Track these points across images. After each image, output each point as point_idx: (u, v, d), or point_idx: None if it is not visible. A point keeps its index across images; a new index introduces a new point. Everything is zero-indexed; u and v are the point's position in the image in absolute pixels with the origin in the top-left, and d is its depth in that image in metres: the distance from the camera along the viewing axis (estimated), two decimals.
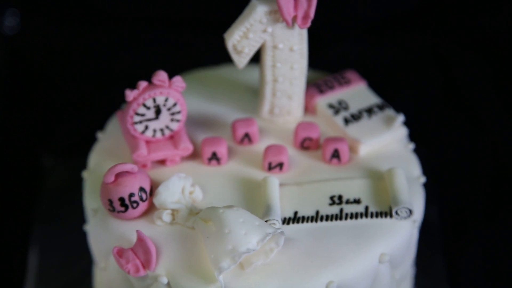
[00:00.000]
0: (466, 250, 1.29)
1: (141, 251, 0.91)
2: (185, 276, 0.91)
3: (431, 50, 1.62)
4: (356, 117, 1.07)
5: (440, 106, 1.53)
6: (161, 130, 1.01)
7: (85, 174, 1.04)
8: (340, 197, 0.98)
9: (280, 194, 0.98)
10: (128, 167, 0.94)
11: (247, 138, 1.05)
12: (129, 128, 1.00)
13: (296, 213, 0.97)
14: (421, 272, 1.20)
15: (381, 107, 1.08)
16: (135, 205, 0.95)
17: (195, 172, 1.01)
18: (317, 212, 0.97)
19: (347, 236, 0.94)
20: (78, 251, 1.22)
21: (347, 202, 0.98)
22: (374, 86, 1.14)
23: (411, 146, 1.06)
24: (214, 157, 1.02)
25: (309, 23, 0.98)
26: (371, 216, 0.96)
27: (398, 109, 1.11)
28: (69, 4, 1.65)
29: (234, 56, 1.01)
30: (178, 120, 1.01)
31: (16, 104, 1.52)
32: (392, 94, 1.27)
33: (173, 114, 1.00)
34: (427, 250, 1.23)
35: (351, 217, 0.96)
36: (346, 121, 1.06)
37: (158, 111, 0.99)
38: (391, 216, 0.96)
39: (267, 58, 1.03)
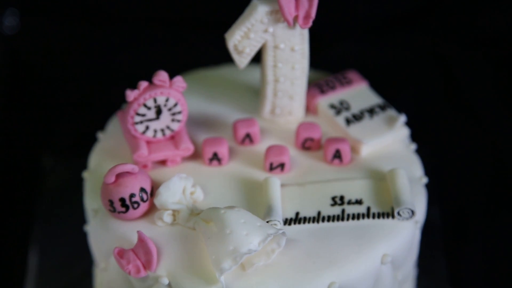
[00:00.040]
0: (467, 250, 1.29)
1: (142, 251, 0.91)
2: (186, 277, 0.90)
3: (432, 50, 1.62)
4: (357, 117, 1.06)
5: (441, 106, 1.52)
6: (162, 130, 1.01)
7: (86, 175, 1.04)
8: (342, 198, 0.98)
9: (282, 195, 0.98)
10: (129, 167, 0.94)
11: (248, 138, 1.05)
12: (130, 128, 1.00)
13: (297, 213, 0.97)
14: (422, 272, 1.19)
15: (382, 107, 1.08)
16: (136, 205, 0.95)
17: (196, 173, 1.01)
18: (319, 213, 0.97)
19: (349, 237, 0.94)
20: (78, 251, 1.22)
21: (349, 202, 0.98)
22: (375, 86, 1.14)
23: (413, 146, 1.06)
24: (215, 157, 1.02)
25: (310, 23, 0.98)
26: (373, 217, 0.96)
27: (399, 109, 1.11)
28: (69, 4, 1.65)
29: (235, 56, 1.01)
30: (179, 120, 1.01)
31: (16, 104, 1.52)
32: (393, 94, 1.27)
33: (174, 114, 1.00)
34: (429, 251, 1.23)
35: (353, 218, 0.96)
36: (348, 122, 1.06)
37: (159, 111, 0.99)
38: (393, 217, 0.96)
39: (268, 58, 1.03)
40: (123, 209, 0.94)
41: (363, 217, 0.96)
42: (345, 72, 1.12)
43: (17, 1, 1.62)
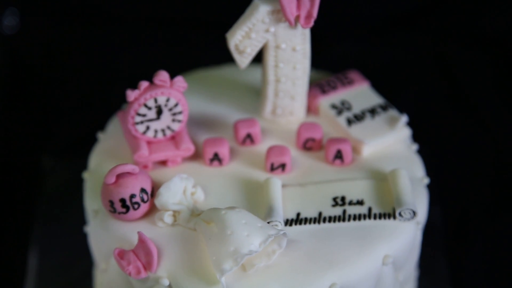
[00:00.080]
0: (469, 251, 1.29)
1: (143, 252, 0.91)
2: (187, 278, 0.90)
3: (433, 50, 1.61)
4: (359, 117, 1.06)
5: (442, 107, 1.52)
6: (163, 130, 1.01)
7: (86, 175, 1.04)
8: (343, 198, 0.98)
9: (283, 195, 0.98)
10: (129, 168, 0.94)
11: (249, 138, 1.04)
12: (130, 129, 0.99)
13: (298, 214, 0.96)
14: (423, 273, 1.19)
15: (384, 108, 1.07)
16: (136, 206, 0.94)
17: (196, 173, 1.01)
18: (320, 214, 0.96)
19: (350, 237, 0.94)
20: (78, 252, 1.22)
21: (350, 203, 0.97)
22: (377, 86, 1.14)
23: (415, 147, 1.06)
24: (216, 157, 1.02)
25: (312, 23, 0.98)
26: (374, 218, 0.96)
27: (400, 110, 1.11)
28: (69, 4, 1.64)
29: (236, 56, 1.00)
30: (179, 121, 1.01)
31: (15, 104, 1.52)
32: (394, 94, 1.27)
33: (174, 114, 1.00)
34: (430, 251, 1.22)
35: (354, 219, 0.96)
36: (349, 122, 1.06)
37: (159, 112, 0.99)
38: (394, 217, 0.96)
39: (270, 58, 1.02)
40: (124, 209, 0.94)
41: (364, 218, 0.96)
42: (347, 72, 1.12)
43: (17, 1, 1.62)
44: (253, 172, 1.01)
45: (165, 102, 0.98)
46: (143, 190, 0.95)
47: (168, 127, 1.01)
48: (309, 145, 1.04)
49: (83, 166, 1.07)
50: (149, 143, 1.01)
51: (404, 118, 1.05)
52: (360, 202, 0.97)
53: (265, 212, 0.95)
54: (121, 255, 0.92)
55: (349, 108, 1.07)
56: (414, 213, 0.96)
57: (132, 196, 0.94)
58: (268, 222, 0.94)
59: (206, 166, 1.02)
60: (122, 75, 1.51)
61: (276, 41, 1.01)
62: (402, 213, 0.96)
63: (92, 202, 1.00)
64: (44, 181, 1.36)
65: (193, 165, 1.02)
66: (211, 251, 0.89)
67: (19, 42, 1.60)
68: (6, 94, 1.53)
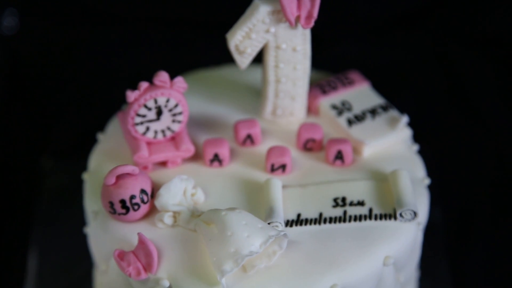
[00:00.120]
0: (470, 252, 1.29)
1: (143, 254, 0.91)
2: (187, 279, 0.90)
3: (434, 50, 1.61)
4: (359, 118, 1.06)
5: (442, 107, 1.52)
6: (163, 131, 1.01)
7: (85, 176, 1.04)
8: (343, 199, 0.98)
9: (283, 196, 0.98)
10: (129, 169, 0.94)
11: (249, 139, 1.04)
12: (130, 129, 0.99)
13: (299, 215, 0.96)
14: (424, 274, 1.19)
15: (385, 108, 1.07)
16: (136, 207, 0.94)
17: (196, 174, 1.01)
18: (321, 214, 0.96)
19: (351, 238, 0.94)
20: (78, 253, 1.22)
21: (351, 204, 0.97)
22: (377, 86, 1.14)
23: (415, 147, 1.06)
24: (216, 158, 1.01)
25: (312, 23, 0.98)
26: (375, 219, 0.96)
27: (401, 110, 1.11)
28: (69, 4, 1.64)
29: (236, 56, 1.00)
30: (179, 121, 1.00)
31: (15, 105, 1.52)
32: (395, 95, 1.27)
33: (174, 115, 1.00)
34: (431, 252, 1.22)
35: (355, 220, 0.96)
36: (350, 122, 1.05)
37: (159, 112, 0.99)
38: (395, 218, 0.96)
39: (270, 59, 1.02)
40: (124, 210, 0.94)
41: (365, 219, 0.96)
42: (347, 73, 1.12)
43: (16, 1, 1.62)
44: (253, 173, 1.01)
45: (165, 102, 0.98)
46: (143, 191, 0.94)
47: (168, 128, 1.00)
48: (309, 146, 1.04)
49: (83, 167, 1.07)
50: (149, 144, 1.01)
51: (404, 119, 1.05)
52: (360, 203, 0.97)
53: (266, 213, 0.95)
54: (121, 256, 0.91)
55: (349, 109, 1.07)
56: (415, 214, 0.96)
57: (132, 197, 0.94)
58: (269, 223, 0.93)
59: (206, 167, 1.02)
60: (122, 75, 1.51)
61: (276, 42, 1.01)
62: (403, 214, 0.96)
63: (92, 203, 1.00)
64: (44, 182, 1.36)
65: (193, 166, 1.02)
66: (211, 252, 0.89)
67: (19, 43, 1.60)
68: (6, 94, 1.53)
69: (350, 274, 0.91)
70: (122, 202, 0.94)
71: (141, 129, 1.00)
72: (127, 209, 0.94)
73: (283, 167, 1.01)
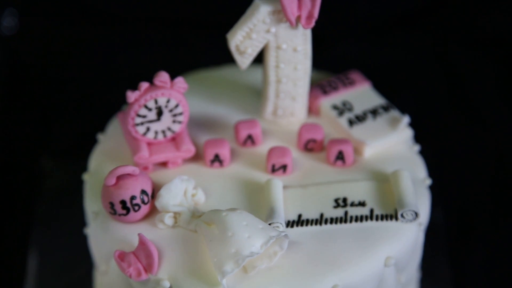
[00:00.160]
0: (471, 252, 1.29)
1: (143, 254, 0.90)
2: (188, 280, 0.90)
3: (435, 50, 1.61)
4: (360, 118, 1.06)
5: (443, 107, 1.52)
6: (163, 131, 1.00)
7: (86, 177, 1.03)
8: (344, 200, 0.97)
9: (284, 197, 0.98)
10: (130, 169, 0.93)
11: (250, 139, 1.04)
12: (131, 130, 0.99)
13: (300, 216, 0.96)
14: (425, 275, 1.19)
15: (386, 108, 1.07)
16: (136, 208, 0.94)
17: (197, 175, 1.01)
18: (322, 215, 0.96)
19: (352, 239, 0.94)
20: (78, 254, 1.22)
21: (352, 204, 0.97)
22: (378, 86, 1.14)
23: (417, 148, 1.05)
24: (217, 159, 1.01)
25: (313, 23, 0.98)
26: (376, 219, 0.96)
27: (402, 110, 1.10)
28: (68, 4, 1.64)
29: (237, 56, 1.00)
30: (180, 122, 1.00)
31: (15, 105, 1.52)
32: (396, 95, 1.26)
33: (175, 115, 0.99)
34: (432, 253, 1.22)
35: (356, 220, 0.96)
36: (351, 123, 1.05)
37: (159, 113, 0.99)
38: (396, 219, 0.96)
39: (271, 59, 1.02)
40: (124, 211, 0.94)
41: (366, 219, 0.96)
42: (348, 73, 1.12)
43: (16, 2, 1.62)
44: (254, 173, 1.01)
45: (165, 103, 0.98)
46: (143, 192, 0.94)
47: (169, 128, 1.00)
48: (310, 146, 1.04)
49: (83, 167, 1.07)
50: (149, 144, 1.01)
51: (406, 119, 1.05)
52: (362, 204, 0.97)
53: (266, 214, 0.95)
54: (121, 257, 0.91)
55: (350, 109, 1.07)
56: (416, 214, 0.95)
57: (133, 197, 0.94)
58: (270, 224, 0.93)
59: (207, 167, 1.02)
60: (122, 75, 1.51)
61: (277, 42, 1.00)
62: (404, 215, 0.95)
63: (92, 204, 1.00)
64: (44, 183, 1.35)
65: (193, 167, 1.02)
66: (212, 253, 0.89)
67: (18, 43, 1.60)
68: (6, 95, 1.53)
69: (351, 275, 0.91)
70: (123, 202, 0.93)
71: (141, 129, 0.99)
72: (128, 210, 0.94)
73: (284, 167, 1.01)
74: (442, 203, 1.30)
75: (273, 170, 1.01)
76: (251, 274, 0.90)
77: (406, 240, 0.95)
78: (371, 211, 0.96)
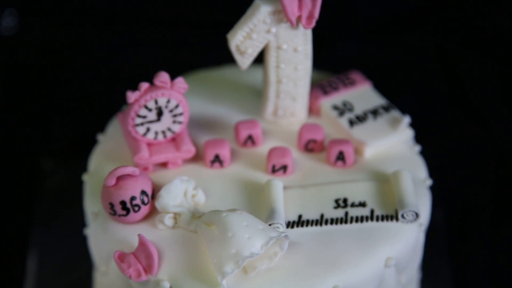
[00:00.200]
0: (472, 253, 1.29)
1: (143, 255, 0.90)
2: (188, 281, 0.90)
3: (435, 50, 1.61)
4: (361, 118, 1.06)
5: (444, 107, 1.52)
6: (163, 132, 1.00)
7: (85, 177, 1.03)
8: (345, 200, 0.97)
9: (284, 197, 0.98)
10: (130, 170, 0.93)
11: (250, 140, 1.04)
12: (131, 130, 0.99)
13: (300, 216, 0.96)
14: (426, 275, 1.19)
15: (386, 109, 1.07)
16: (136, 208, 0.94)
17: (197, 175, 1.00)
18: (322, 216, 0.96)
19: (352, 240, 0.94)
20: (78, 255, 1.22)
21: (352, 205, 0.97)
22: (378, 86, 1.14)
23: (417, 148, 1.05)
24: (217, 159, 1.01)
25: (313, 23, 0.98)
26: (377, 220, 0.96)
27: (402, 110, 1.10)
28: (68, 4, 1.64)
29: (237, 56, 1.00)
30: (180, 122, 1.00)
31: (14, 106, 1.51)
32: (396, 95, 1.26)
33: (175, 116, 0.99)
34: (433, 254, 1.22)
35: (356, 221, 0.95)
36: (351, 123, 1.05)
37: (160, 113, 0.98)
38: (397, 219, 0.96)
39: (271, 59, 1.02)
40: (124, 212, 0.94)
41: (367, 220, 0.96)
42: (348, 73, 1.12)
43: (15, 2, 1.62)
44: (254, 174, 1.01)
45: (165, 103, 0.98)
46: (143, 192, 0.94)
47: (169, 129, 1.00)
48: (310, 147, 1.04)
49: (83, 168, 1.07)
50: (149, 145, 1.01)
51: (406, 119, 1.05)
52: (362, 204, 0.97)
53: (267, 214, 0.95)
54: (121, 257, 0.91)
55: (351, 109, 1.07)
56: (417, 215, 0.95)
57: (133, 198, 0.93)
58: (270, 224, 0.93)
59: (207, 168, 1.02)
60: (122, 76, 1.51)
61: (277, 42, 1.00)
62: (405, 215, 0.95)
63: (92, 205, 1.00)
64: (44, 183, 1.35)
65: (193, 167, 1.02)
66: (212, 254, 0.89)
67: (18, 43, 1.60)
68: (5, 95, 1.53)
69: (352, 276, 0.91)
70: (123, 203, 0.93)
71: (141, 130, 0.99)
72: (128, 211, 0.94)
73: (284, 168, 1.00)
74: (443, 204, 1.30)
75: (274, 170, 1.01)
76: (251, 275, 0.90)
77: (406, 240, 0.95)
78: (372, 211, 0.96)
